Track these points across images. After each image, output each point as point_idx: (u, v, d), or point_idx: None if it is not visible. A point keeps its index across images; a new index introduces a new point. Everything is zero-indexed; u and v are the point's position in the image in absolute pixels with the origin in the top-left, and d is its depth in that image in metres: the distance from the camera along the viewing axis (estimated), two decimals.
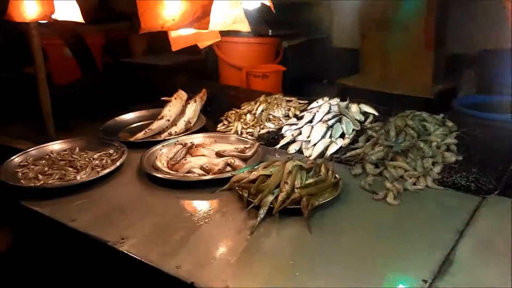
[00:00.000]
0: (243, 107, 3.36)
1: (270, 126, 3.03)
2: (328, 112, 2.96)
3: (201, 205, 2.20)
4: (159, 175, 2.38)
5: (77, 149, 2.77)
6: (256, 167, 2.38)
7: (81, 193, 2.33)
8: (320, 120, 2.90)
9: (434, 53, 3.95)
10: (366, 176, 2.35)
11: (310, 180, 2.16)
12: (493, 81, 3.63)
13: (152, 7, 1.75)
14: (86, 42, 4.56)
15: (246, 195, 2.11)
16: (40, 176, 2.44)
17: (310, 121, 2.93)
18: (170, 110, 3.19)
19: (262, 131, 2.98)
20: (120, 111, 3.41)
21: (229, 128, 3.07)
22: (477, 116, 2.99)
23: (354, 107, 3.07)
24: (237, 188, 2.18)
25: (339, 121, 2.88)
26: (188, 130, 3.09)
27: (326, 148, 2.66)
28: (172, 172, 2.44)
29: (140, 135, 2.98)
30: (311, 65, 4.66)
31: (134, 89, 4.54)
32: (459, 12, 3.97)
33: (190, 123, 3.14)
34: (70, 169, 2.52)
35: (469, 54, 3.93)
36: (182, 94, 3.37)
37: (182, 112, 3.18)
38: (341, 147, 2.66)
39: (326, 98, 3.28)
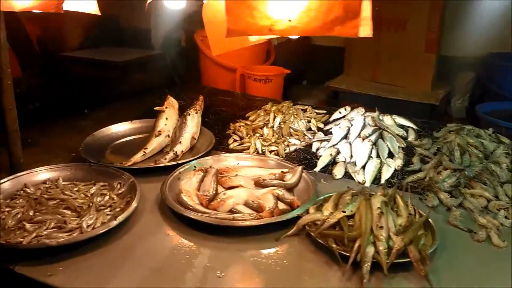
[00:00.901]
0: (251, 118, 2.84)
1: (295, 142, 2.56)
2: (364, 126, 2.55)
3: (276, 261, 1.66)
4: (209, 221, 1.80)
5: (61, 179, 2.09)
6: (319, 202, 1.92)
7: (92, 248, 1.70)
8: (359, 136, 2.48)
9: (436, 55, 3.72)
10: (445, 208, 1.99)
11: (401, 221, 1.74)
12: (503, 86, 3.50)
13: (250, 2, 1.20)
14: (27, 31, 3.72)
15: (334, 245, 1.64)
16: (27, 225, 1.75)
17: (345, 137, 2.51)
18: (167, 124, 2.58)
19: (288, 149, 2.50)
20: (79, 119, 2.73)
21: (244, 145, 2.54)
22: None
23: (387, 120, 2.70)
24: (316, 237, 1.69)
25: (381, 137, 2.49)
26: (193, 148, 2.52)
27: (379, 171, 2.26)
28: (211, 211, 1.89)
29: (137, 157, 2.35)
30: (298, 65, 4.21)
31: (86, 90, 3.79)
32: (462, 10, 3.77)
33: (195, 139, 2.56)
34: (67, 212, 1.86)
35: (470, 57, 3.76)
36: (173, 102, 2.77)
37: (181, 125, 2.59)
38: (395, 170, 2.28)
39: (348, 108, 2.88)
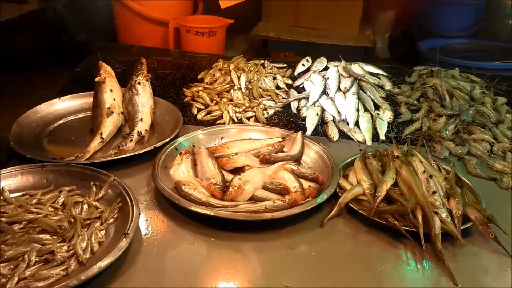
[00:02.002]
0: (206, 80, 2.44)
1: (270, 104, 2.26)
2: (340, 79, 2.34)
3: (336, 253, 1.41)
4: (243, 217, 1.45)
5: (7, 191, 1.55)
6: (350, 173, 1.69)
7: (105, 280, 1.27)
8: (339, 90, 2.27)
9: None
10: (457, 158, 1.92)
11: (449, 185, 1.60)
12: (437, 23, 3.51)
13: None
14: None
15: (396, 222, 1.44)
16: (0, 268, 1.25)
17: (324, 92, 2.28)
18: (115, 99, 2.08)
19: (267, 113, 2.19)
20: None
21: (213, 114, 2.17)
22: (466, 65, 2.79)
23: (355, 68, 2.52)
24: (373, 217, 1.47)
25: (360, 88, 2.30)
26: (154, 124, 2.09)
27: (374, 127, 2.10)
28: (233, 204, 1.54)
29: (95, 145, 1.86)
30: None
31: None
32: None
33: (154, 112, 2.12)
34: (45, 236, 1.37)
35: None
36: (109, 70, 2.25)
37: (132, 98, 2.11)
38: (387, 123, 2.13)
39: (309, 59, 2.64)
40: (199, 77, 2.50)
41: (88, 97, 2.17)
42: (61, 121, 2.11)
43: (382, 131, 2.07)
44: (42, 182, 1.61)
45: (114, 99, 2.07)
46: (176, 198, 1.51)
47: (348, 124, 2.10)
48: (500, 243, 1.41)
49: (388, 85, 2.41)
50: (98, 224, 1.43)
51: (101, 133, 1.91)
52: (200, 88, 2.33)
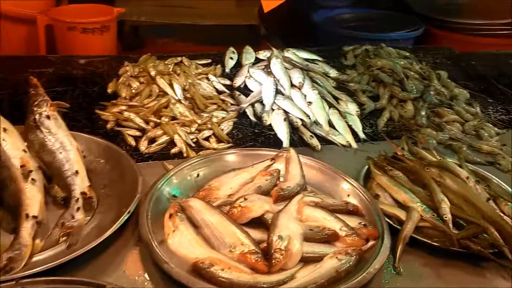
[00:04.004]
0: (123, 94, 1.83)
1: (222, 115, 1.80)
2: (282, 72, 1.99)
3: None
4: None
5: None
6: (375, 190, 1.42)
7: None
8: (292, 86, 1.93)
9: None
10: (443, 146, 1.80)
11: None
12: None
13: None
14: None
15: (479, 248, 1.23)
16: None
17: (276, 90, 1.91)
18: (24, 149, 1.39)
19: (227, 128, 1.74)
20: None
21: (160, 142, 1.63)
22: (364, 37, 2.66)
23: (290, 56, 2.19)
24: (455, 248, 1.23)
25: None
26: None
27: (348, 125, 1.84)
28: (284, 276, 1.13)
29: (27, 233, 1.20)
30: None
31: None
32: None
33: (85, 156, 1.49)
34: None
35: None
36: None
37: (44, 142, 1.44)
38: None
39: (233, 50, 2.21)
40: (109, 90, 1.87)
41: None
42: None
43: (359, 128, 1.83)
44: None
45: (25, 151, 1.38)
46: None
47: (321, 126, 1.80)
48: None
49: (333, 73, 2.16)
50: None
51: (27, 213, 1.24)
52: (123, 108, 1.73)
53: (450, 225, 1.26)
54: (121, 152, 1.50)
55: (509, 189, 1.49)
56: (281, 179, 1.49)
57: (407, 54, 2.38)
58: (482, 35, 3.14)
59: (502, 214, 1.33)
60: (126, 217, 1.26)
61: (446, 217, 1.27)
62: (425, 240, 1.27)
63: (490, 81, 2.35)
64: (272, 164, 1.54)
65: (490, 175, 1.56)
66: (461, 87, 2.17)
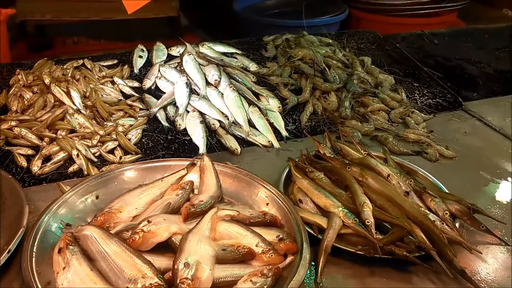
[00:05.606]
0: (12, 107, 1.61)
1: (129, 122, 1.62)
2: (196, 70, 1.83)
3: None
4: None
5: None
6: (297, 195, 1.30)
7: None
8: (208, 84, 1.78)
9: None
10: (369, 138, 1.71)
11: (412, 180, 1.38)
12: None
13: None
14: None
15: (405, 253, 1.14)
16: None
17: (190, 90, 1.75)
18: None
19: (135, 137, 1.57)
20: None
21: (57, 160, 1.44)
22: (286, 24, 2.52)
23: (205, 51, 2.02)
24: (379, 255, 1.13)
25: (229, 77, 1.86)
26: None
27: (269, 123, 1.72)
28: None
29: None
30: None
31: None
32: None
33: None
34: None
35: None
36: None
37: None
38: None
39: (143, 47, 2.02)
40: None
41: None
42: None
43: (281, 125, 1.71)
44: None
45: None
46: None
47: (241, 126, 1.67)
48: (494, 234, 1.28)
49: (252, 66, 2.02)
50: None
51: None
52: (13, 123, 1.52)
53: (373, 230, 1.17)
54: (6, 177, 1.30)
55: (436, 181, 1.43)
56: (196, 191, 1.37)
57: (330, 41, 2.28)
58: (406, 15, 3.11)
59: (428, 212, 1.25)
60: (6, 258, 1.07)
61: (368, 222, 1.18)
62: (348, 248, 1.17)
63: (415, 64, 2.30)
64: (185, 175, 1.40)
65: (416, 167, 1.49)
66: (386, 73, 2.10)
